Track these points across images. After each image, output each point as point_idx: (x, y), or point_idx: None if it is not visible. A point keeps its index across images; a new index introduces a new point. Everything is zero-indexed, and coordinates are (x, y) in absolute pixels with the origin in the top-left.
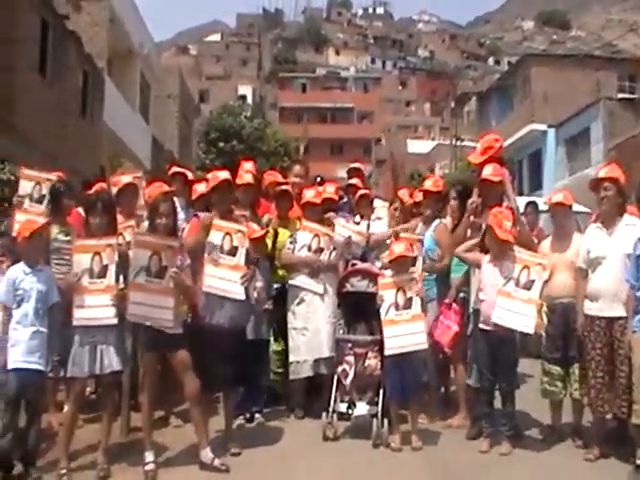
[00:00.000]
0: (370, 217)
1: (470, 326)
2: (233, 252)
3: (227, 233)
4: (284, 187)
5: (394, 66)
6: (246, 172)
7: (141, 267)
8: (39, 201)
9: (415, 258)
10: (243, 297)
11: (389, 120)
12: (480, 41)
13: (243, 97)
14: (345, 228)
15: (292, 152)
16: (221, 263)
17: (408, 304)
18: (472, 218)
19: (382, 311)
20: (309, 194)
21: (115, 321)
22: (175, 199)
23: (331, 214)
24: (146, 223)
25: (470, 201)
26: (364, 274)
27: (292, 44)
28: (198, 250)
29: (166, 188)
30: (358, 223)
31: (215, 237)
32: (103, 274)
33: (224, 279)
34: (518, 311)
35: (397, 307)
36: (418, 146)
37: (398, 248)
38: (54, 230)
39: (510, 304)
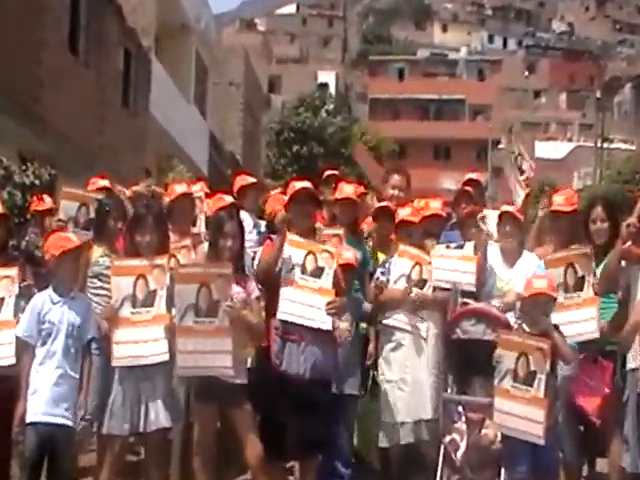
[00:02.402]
0: (481, 240)
1: (626, 391)
2: (318, 273)
3: (310, 252)
4: (385, 203)
5: (519, 45)
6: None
7: (187, 306)
8: (86, 227)
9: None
10: (329, 327)
11: (511, 116)
12: None
13: (324, 86)
14: (445, 258)
15: (385, 157)
16: (302, 285)
17: (530, 379)
18: (628, 245)
19: (496, 374)
20: (404, 212)
21: (167, 357)
22: (245, 215)
23: (427, 242)
24: (206, 245)
25: (626, 223)
26: (480, 316)
27: (386, 18)
28: (271, 273)
29: (226, 201)
30: (461, 247)
31: (294, 255)
32: (150, 302)
33: (305, 304)
34: None
35: (515, 377)
36: (550, 149)
37: (539, 283)
38: (96, 252)
39: None
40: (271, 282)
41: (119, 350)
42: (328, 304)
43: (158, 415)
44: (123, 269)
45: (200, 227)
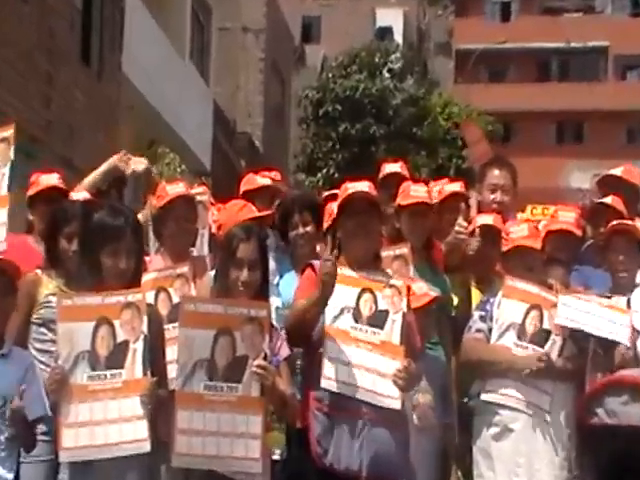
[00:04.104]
0: (634, 280)
1: None
2: (379, 321)
3: (366, 289)
4: (488, 218)
5: None
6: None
7: (197, 363)
8: None
9: None
10: (398, 405)
11: None
12: None
13: (386, 32)
14: (582, 300)
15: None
16: (355, 338)
17: None
18: None
19: None
20: (518, 231)
21: (147, 447)
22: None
23: (553, 282)
24: (209, 277)
25: None
26: (636, 390)
27: None
28: (311, 325)
29: (252, 211)
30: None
31: (342, 293)
32: (119, 361)
33: (362, 368)
34: None
35: None
36: None
37: None
38: (46, 286)
39: None
40: (309, 337)
41: (71, 437)
42: (398, 371)
43: None
44: (76, 311)
45: (202, 248)
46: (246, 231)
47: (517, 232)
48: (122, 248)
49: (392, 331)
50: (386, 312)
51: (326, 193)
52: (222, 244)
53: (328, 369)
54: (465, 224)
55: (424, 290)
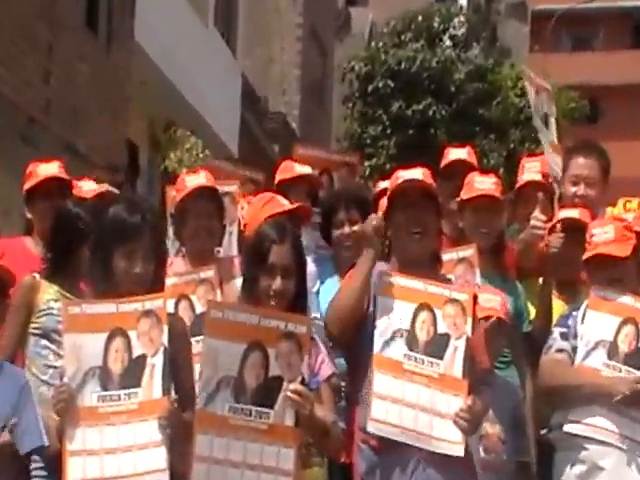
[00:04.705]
0: None
1: None
2: (437, 348)
3: (423, 305)
4: (573, 212)
5: None
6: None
7: (222, 380)
8: None
9: None
10: (461, 452)
11: None
12: None
13: None
14: None
15: (562, 122)
16: (409, 370)
17: None
18: None
19: None
20: (603, 234)
21: (166, 477)
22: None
23: None
24: (239, 282)
25: None
26: None
27: None
28: (355, 320)
29: (281, 205)
30: None
31: (395, 311)
32: (135, 379)
33: (417, 407)
34: None
35: None
36: None
37: None
38: (45, 292)
39: None
40: (353, 340)
41: (78, 467)
42: (461, 411)
43: None
44: (85, 321)
45: (230, 248)
46: (279, 231)
47: (601, 235)
48: (139, 249)
49: (453, 361)
50: (447, 337)
51: (380, 185)
52: (250, 246)
53: (377, 409)
54: (543, 217)
55: (496, 302)
